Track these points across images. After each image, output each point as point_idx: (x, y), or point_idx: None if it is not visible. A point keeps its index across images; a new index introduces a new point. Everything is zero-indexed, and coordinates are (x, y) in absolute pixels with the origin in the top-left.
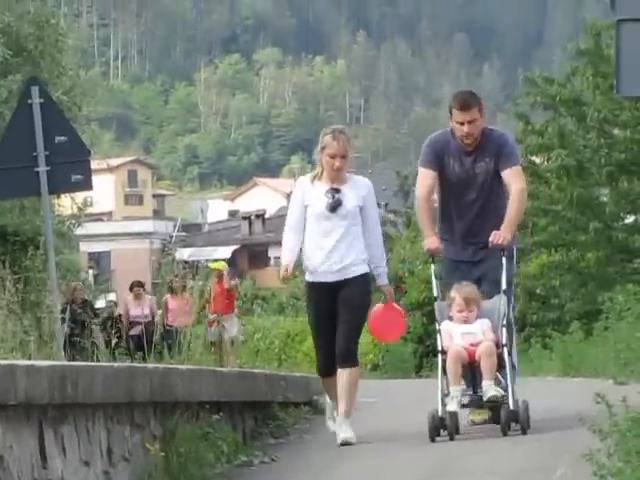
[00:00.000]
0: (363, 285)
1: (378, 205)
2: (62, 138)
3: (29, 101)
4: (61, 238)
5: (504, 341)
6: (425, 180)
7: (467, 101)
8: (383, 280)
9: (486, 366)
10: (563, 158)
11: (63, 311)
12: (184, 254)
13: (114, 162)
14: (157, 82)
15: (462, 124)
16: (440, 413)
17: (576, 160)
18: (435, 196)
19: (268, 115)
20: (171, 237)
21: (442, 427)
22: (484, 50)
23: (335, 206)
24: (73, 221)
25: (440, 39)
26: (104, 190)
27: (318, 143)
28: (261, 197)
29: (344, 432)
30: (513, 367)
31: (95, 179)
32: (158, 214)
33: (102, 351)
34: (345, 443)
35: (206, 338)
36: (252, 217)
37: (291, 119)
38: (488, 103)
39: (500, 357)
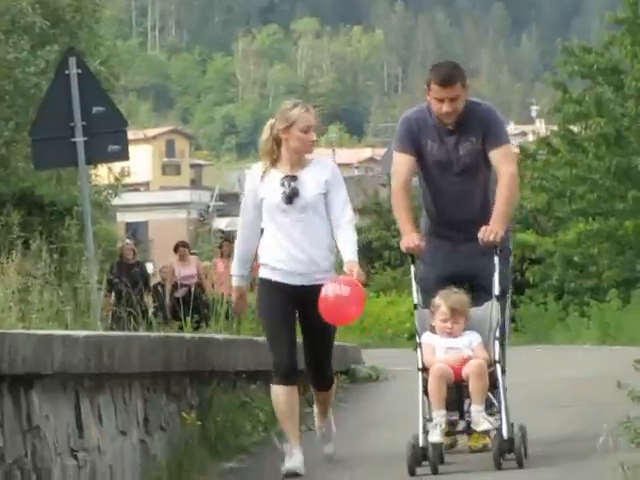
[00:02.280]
0: None
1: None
2: (99, 109)
3: (66, 72)
4: (98, 208)
5: (497, 357)
6: (401, 167)
7: (449, 75)
8: (350, 256)
9: (476, 388)
10: (601, 127)
11: (110, 269)
12: (221, 224)
13: (151, 132)
14: (195, 52)
15: (441, 101)
16: (421, 442)
17: (614, 129)
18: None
19: (306, 85)
20: (208, 207)
21: (424, 458)
22: (522, 20)
23: (291, 196)
24: (110, 191)
25: (478, 9)
26: (141, 160)
27: (268, 129)
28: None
29: (324, 445)
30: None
31: (132, 149)
32: (195, 184)
33: (148, 319)
34: (293, 473)
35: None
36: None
37: (329, 89)
38: (526, 73)
39: (492, 376)
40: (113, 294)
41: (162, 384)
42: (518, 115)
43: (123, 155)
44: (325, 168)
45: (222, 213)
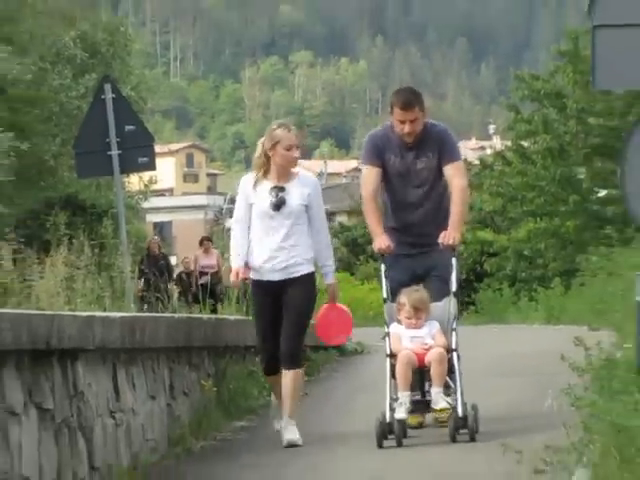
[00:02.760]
0: (308, 285)
1: None
2: (131, 127)
3: (103, 96)
4: (130, 210)
5: (454, 345)
6: (369, 178)
7: (409, 100)
8: (329, 279)
9: (436, 373)
10: (547, 142)
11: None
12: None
13: (174, 147)
14: (209, 80)
15: (403, 122)
16: (388, 419)
17: (558, 144)
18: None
19: (302, 107)
20: (222, 209)
21: (390, 433)
22: (481, 52)
23: (279, 205)
24: (140, 196)
25: (444, 43)
26: (166, 170)
27: (260, 146)
28: None
29: (289, 433)
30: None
31: (158, 161)
32: (211, 190)
33: (173, 303)
34: (290, 445)
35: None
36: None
37: (321, 111)
38: (485, 97)
39: (450, 362)
40: (143, 281)
41: (185, 357)
42: (478, 132)
43: (151, 166)
44: (309, 183)
45: (233, 214)
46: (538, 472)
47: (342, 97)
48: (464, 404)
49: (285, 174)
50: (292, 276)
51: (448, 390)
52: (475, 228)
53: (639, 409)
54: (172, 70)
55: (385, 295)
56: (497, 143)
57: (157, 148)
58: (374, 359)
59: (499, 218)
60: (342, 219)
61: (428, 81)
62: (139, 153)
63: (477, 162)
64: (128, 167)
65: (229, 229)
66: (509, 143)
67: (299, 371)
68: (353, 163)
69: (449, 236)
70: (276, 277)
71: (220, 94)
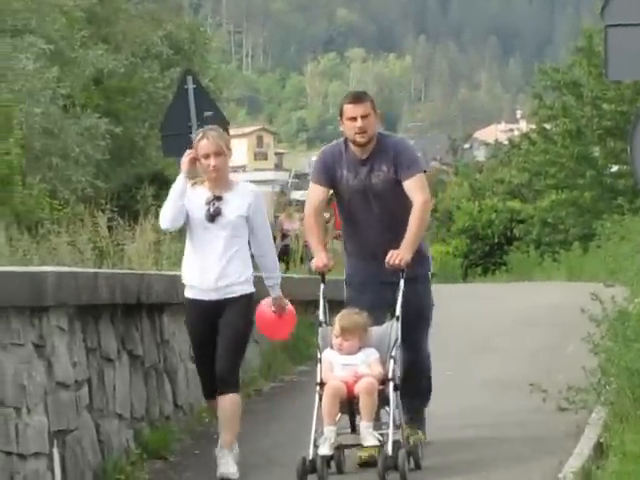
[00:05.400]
0: (245, 308)
1: (435, 160)
2: (209, 113)
3: (185, 87)
4: None
5: (390, 375)
6: (314, 195)
7: (358, 94)
8: (275, 292)
9: (364, 405)
10: (566, 125)
11: None
12: (297, 195)
13: (246, 130)
14: (277, 73)
15: (354, 119)
16: (311, 455)
17: (575, 126)
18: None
19: None
20: (287, 183)
21: (312, 471)
22: (510, 48)
23: (214, 215)
24: None
25: (478, 41)
26: (239, 150)
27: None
28: None
29: (224, 466)
30: (429, 391)
31: (233, 142)
32: (278, 167)
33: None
34: (224, 478)
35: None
36: None
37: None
38: (513, 87)
39: (383, 393)
40: None
41: None
42: (507, 117)
43: None
44: (248, 193)
45: (297, 187)
46: (561, 410)
47: (390, 88)
48: (396, 442)
49: (220, 183)
50: (228, 296)
51: (381, 426)
52: (506, 199)
53: None
54: (244, 64)
55: (322, 318)
56: (523, 126)
57: (232, 131)
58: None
59: (526, 190)
60: None
61: (464, 73)
62: None
63: (507, 142)
64: None
65: (294, 200)
66: (534, 126)
67: (236, 395)
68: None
69: (396, 256)
70: (210, 297)
71: (286, 85)
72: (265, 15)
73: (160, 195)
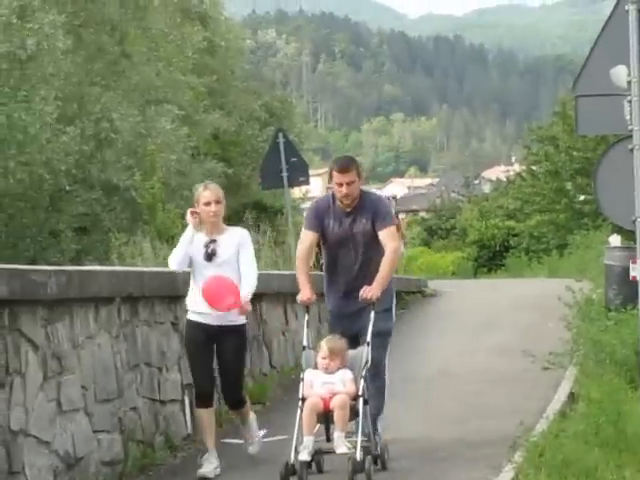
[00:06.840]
0: (240, 336)
1: (454, 192)
2: (294, 159)
3: (277, 140)
4: (294, 210)
5: (360, 392)
6: (305, 240)
7: (346, 164)
8: (245, 299)
9: (338, 417)
10: (547, 167)
11: None
12: None
13: (320, 171)
14: (342, 130)
15: (341, 185)
16: (292, 460)
17: (554, 168)
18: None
19: (397, 147)
20: None
21: (292, 474)
22: (507, 112)
23: (211, 255)
24: (300, 200)
25: (484, 106)
26: (315, 185)
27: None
28: (393, 189)
29: (207, 465)
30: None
31: (311, 180)
32: None
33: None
34: (203, 477)
35: None
36: (390, 197)
37: (409, 149)
38: (509, 140)
39: (354, 408)
40: None
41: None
42: (505, 161)
43: (307, 182)
44: (237, 234)
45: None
46: (545, 369)
47: (422, 141)
48: (364, 449)
49: (215, 228)
50: (227, 323)
51: (352, 436)
52: (504, 219)
53: (606, 330)
54: (319, 125)
55: (305, 343)
56: (517, 168)
57: (310, 171)
58: (444, 299)
59: (518, 213)
60: (422, 214)
61: (475, 130)
62: (299, 174)
63: (505, 179)
64: (293, 183)
65: None
66: (524, 168)
67: (245, 407)
68: (428, 180)
69: (368, 291)
70: (211, 321)
71: (348, 139)
72: (333, 90)
73: (260, 217)
